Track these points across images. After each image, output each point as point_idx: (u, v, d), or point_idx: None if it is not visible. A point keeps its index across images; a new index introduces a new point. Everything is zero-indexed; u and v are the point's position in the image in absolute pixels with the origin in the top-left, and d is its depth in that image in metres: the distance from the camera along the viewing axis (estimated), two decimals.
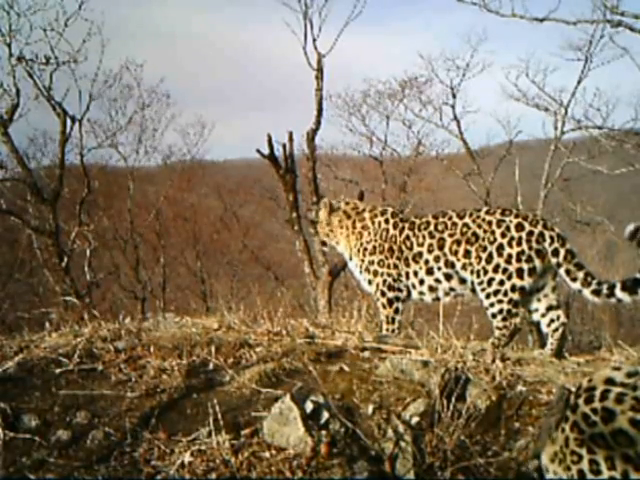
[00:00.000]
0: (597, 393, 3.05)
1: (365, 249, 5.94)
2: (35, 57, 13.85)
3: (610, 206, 23.71)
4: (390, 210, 6.07)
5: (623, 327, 20.14)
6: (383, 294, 5.81)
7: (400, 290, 5.80)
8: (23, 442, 3.68)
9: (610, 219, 20.10)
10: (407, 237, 5.78)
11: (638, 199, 27.80)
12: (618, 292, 5.00)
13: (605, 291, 5.07)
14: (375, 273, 5.86)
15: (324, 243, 6.48)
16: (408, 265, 5.75)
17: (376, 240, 5.89)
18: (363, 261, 5.95)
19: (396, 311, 5.81)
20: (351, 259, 6.14)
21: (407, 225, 5.83)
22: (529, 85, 19.11)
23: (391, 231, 5.87)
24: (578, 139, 19.17)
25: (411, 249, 5.74)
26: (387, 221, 5.93)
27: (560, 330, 5.34)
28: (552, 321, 5.38)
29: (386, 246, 5.83)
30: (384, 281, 5.80)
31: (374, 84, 22.38)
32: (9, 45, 13.78)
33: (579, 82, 18.00)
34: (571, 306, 16.75)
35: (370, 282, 5.92)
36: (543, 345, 5.55)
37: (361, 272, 6.00)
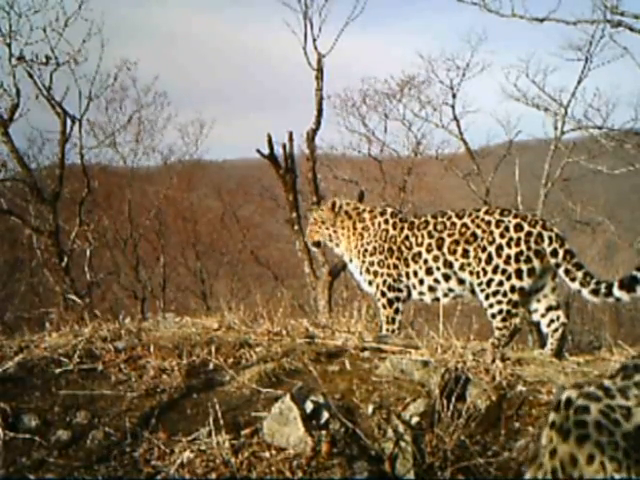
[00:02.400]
0: (612, 386, 2.72)
1: (365, 250, 5.93)
2: (35, 57, 13.83)
3: (610, 206, 23.66)
4: (389, 210, 6.07)
5: (623, 327, 20.12)
6: (383, 294, 5.81)
7: (400, 290, 5.80)
8: (23, 442, 3.69)
9: (610, 219, 20.10)
10: (406, 237, 5.78)
11: (638, 199, 27.77)
12: (616, 291, 5.01)
13: (603, 290, 5.08)
14: (375, 274, 5.85)
15: (317, 244, 6.35)
16: (408, 265, 5.75)
17: (376, 241, 5.89)
18: (364, 262, 5.94)
19: (396, 311, 5.81)
20: (351, 260, 6.12)
21: (406, 225, 5.83)
22: (529, 85, 19.01)
23: (391, 231, 5.87)
24: (578, 139, 19.13)
25: (410, 249, 5.74)
26: (387, 221, 5.93)
27: (560, 330, 5.34)
28: (552, 321, 5.38)
29: (386, 246, 5.83)
30: (384, 281, 5.80)
31: (373, 84, 22.37)
32: (9, 45, 13.74)
33: (579, 82, 17.94)
34: (571, 306, 16.71)
35: (370, 283, 5.91)
36: (543, 345, 5.56)
37: (361, 273, 5.99)
